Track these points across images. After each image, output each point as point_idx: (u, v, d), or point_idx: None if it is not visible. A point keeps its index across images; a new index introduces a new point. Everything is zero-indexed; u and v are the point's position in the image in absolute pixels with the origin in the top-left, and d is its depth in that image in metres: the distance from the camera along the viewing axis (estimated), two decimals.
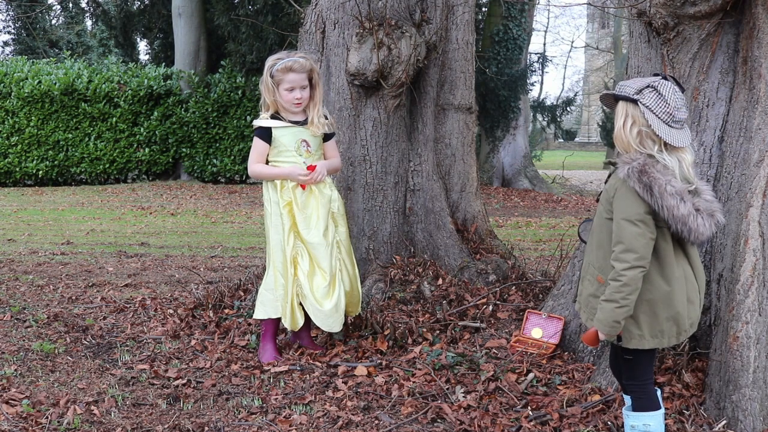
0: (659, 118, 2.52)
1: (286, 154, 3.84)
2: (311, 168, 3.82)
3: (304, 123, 3.86)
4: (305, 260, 3.83)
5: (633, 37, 3.67)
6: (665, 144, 2.54)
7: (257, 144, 3.86)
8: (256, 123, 3.88)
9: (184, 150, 16.03)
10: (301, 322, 3.88)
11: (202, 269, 6.72)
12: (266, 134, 3.84)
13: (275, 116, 3.85)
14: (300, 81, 3.78)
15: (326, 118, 3.91)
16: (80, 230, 9.35)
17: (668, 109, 2.53)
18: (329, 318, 3.80)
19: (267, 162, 3.88)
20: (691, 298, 2.62)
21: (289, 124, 3.85)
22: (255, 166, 3.87)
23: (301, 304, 3.84)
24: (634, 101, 2.55)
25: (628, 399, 2.81)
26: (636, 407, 2.71)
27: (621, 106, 2.60)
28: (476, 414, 3.13)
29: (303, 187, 3.82)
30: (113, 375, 3.73)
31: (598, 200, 2.76)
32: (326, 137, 3.97)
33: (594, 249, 2.72)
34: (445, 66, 4.95)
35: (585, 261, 2.81)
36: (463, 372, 3.61)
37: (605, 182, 2.72)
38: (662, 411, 2.71)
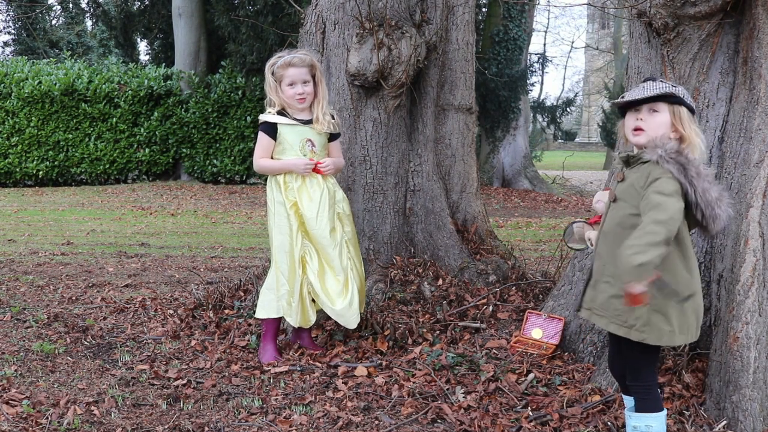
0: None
1: (290, 152, 3.83)
2: (319, 164, 3.84)
3: (309, 122, 3.86)
4: (314, 260, 3.83)
5: (633, 37, 3.67)
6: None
7: (262, 139, 3.85)
8: (262, 118, 3.87)
9: (184, 150, 16.03)
10: (313, 319, 3.89)
11: (202, 269, 6.72)
12: (271, 130, 3.84)
13: (281, 113, 3.85)
14: (301, 75, 3.78)
15: (333, 118, 3.91)
16: (80, 230, 9.35)
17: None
18: (344, 316, 3.82)
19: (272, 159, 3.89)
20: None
21: (295, 122, 3.84)
22: (260, 161, 3.87)
23: (314, 300, 3.86)
24: (693, 111, 2.65)
25: (629, 400, 2.80)
26: (639, 408, 2.69)
27: (688, 114, 2.62)
28: (476, 414, 3.13)
29: (317, 171, 3.82)
30: (113, 375, 3.73)
31: (615, 200, 2.70)
32: (331, 138, 3.97)
33: (611, 248, 2.64)
34: (445, 66, 4.95)
35: (596, 265, 2.72)
36: (463, 372, 3.61)
37: (620, 181, 2.68)
38: (665, 412, 2.70)
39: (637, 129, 2.64)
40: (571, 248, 3.20)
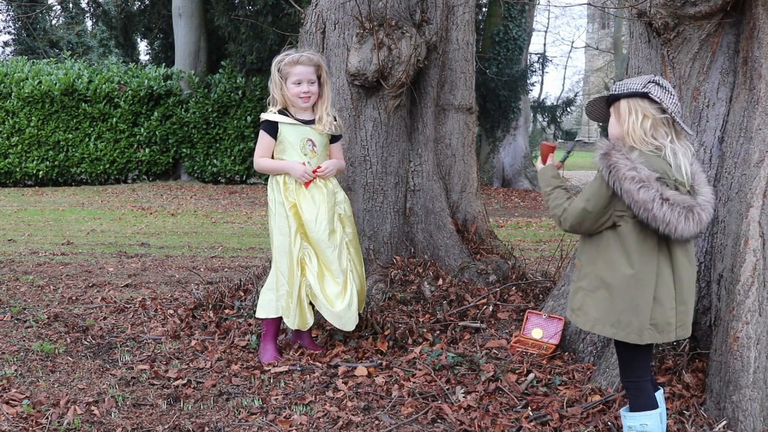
0: (671, 108, 2.59)
1: (291, 152, 3.83)
2: (317, 170, 3.82)
3: (311, 122, 3.86)
4: (313, 262, 3.83)
5: (633, 37, 3.67)
6: (675, 134, 2.60)
7: (262, 138, 3.85)
8: (264, 116, 3.87)
9: (184, 150, 16.03)
10: (310, 321, 3.87)
11: (202, 269, 6.72)
12: (272, 129, 3.83)
13: (283, 112, 3.85)
14: (307, 74, 3.78)
15: (335, 120, 3.91)
16: (80, 230, 9.35)
17: (674, 99, 2.61)
18: (341, 318, 3.81)
19: (272, 158, 3.88)
20: (659, 297, 2.57)
21: (296, 122, 3.84)
22: (260, 160, 3.88)
23: (311, 303, 3.85)
24: (643, 95, 2.59)
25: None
26: (632, 407, 2.70)
27: (626, 104, 2.62)
28: (476, 414, 3.13)
29: (306, 185, 3.82)
30: (113, 375, 3.73)
31: None
32: (333, 139, 3.96)
33: (582, 243, 2.78)
34: (446, 66, 4.95)
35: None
36: (463, 372, 3.61)
37: None
38: (658, 410, 2.69)
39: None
40: None
